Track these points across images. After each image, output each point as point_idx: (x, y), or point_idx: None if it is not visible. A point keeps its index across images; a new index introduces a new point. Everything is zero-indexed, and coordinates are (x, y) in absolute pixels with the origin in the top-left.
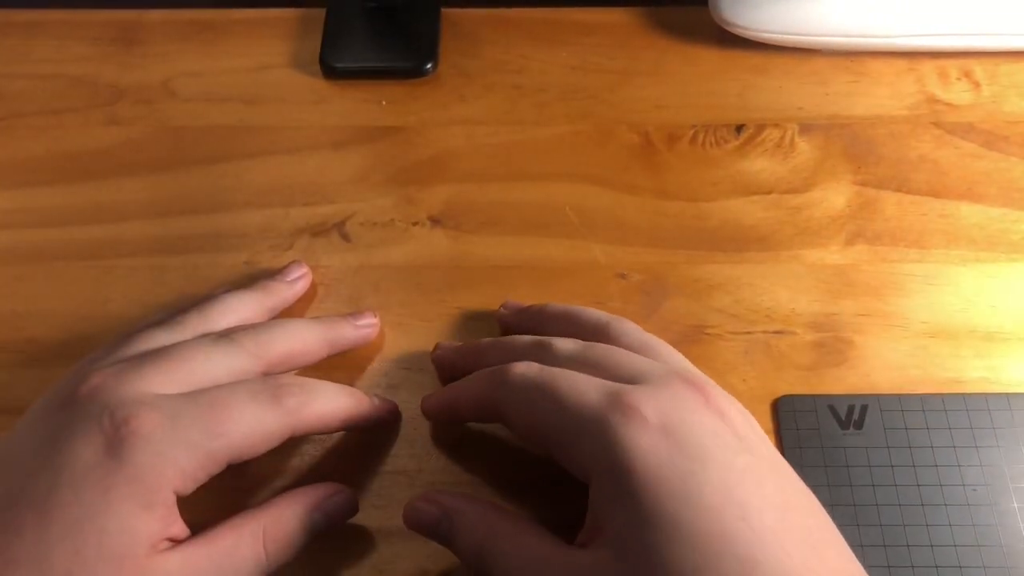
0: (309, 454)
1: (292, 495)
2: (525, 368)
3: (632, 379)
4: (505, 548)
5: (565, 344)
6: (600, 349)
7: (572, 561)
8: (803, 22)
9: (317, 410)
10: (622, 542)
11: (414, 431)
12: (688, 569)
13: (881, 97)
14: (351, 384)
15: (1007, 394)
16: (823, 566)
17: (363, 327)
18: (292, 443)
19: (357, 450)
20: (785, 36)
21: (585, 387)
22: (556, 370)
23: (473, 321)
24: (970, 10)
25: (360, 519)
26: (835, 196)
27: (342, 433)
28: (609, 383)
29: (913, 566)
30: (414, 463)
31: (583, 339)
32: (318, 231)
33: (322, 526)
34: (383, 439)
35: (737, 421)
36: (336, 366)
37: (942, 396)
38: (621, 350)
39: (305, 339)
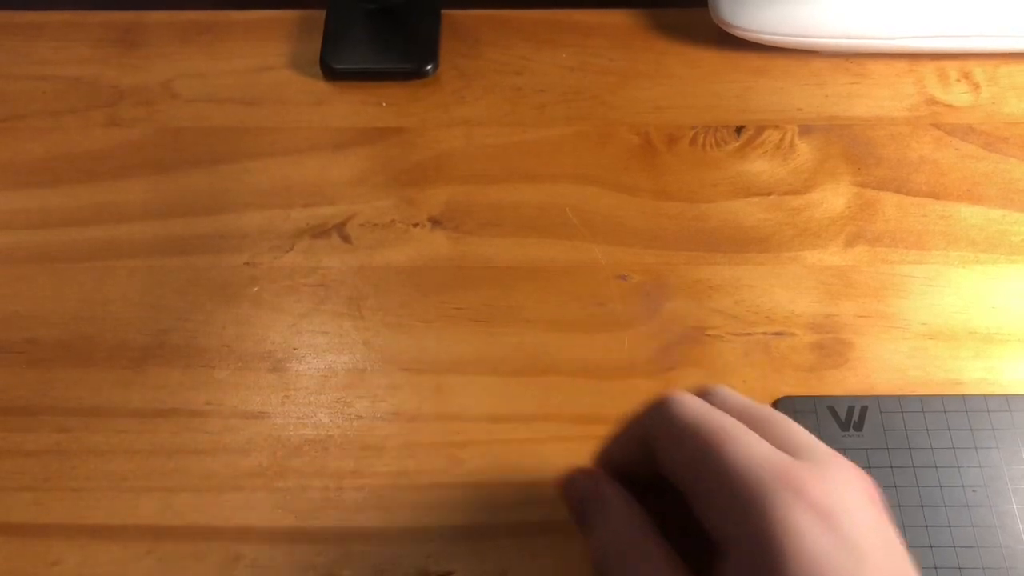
0: (309, 455)
1: None
2: (691, 402)
3: (796, 451)
4: (632, 572)
5: (732, 392)
6: (767, 409)
7: None
8: (803, 23)
9: None
10: None
11: (414, 432)
12: None
13: (881, 99)
14: (351, 386)
15: (1006, 395)
16: None
17: None
18: (292, 443)
19: (357, 451)
20: (785, 37)
21: (756, 448)
22: (726, 417)
23: (474, 322)
24: (970, 11)
25: (361, 519)
26: (835, 197)
27: (341, 433)
28: (780, 452)
29: None
30: (414, 464)
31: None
32: (318, 232)
33: None
34: (383, 440)
35: (887, 516)
36: (336, 369)
37: (941, 397)
38: (784, 416)
39: None
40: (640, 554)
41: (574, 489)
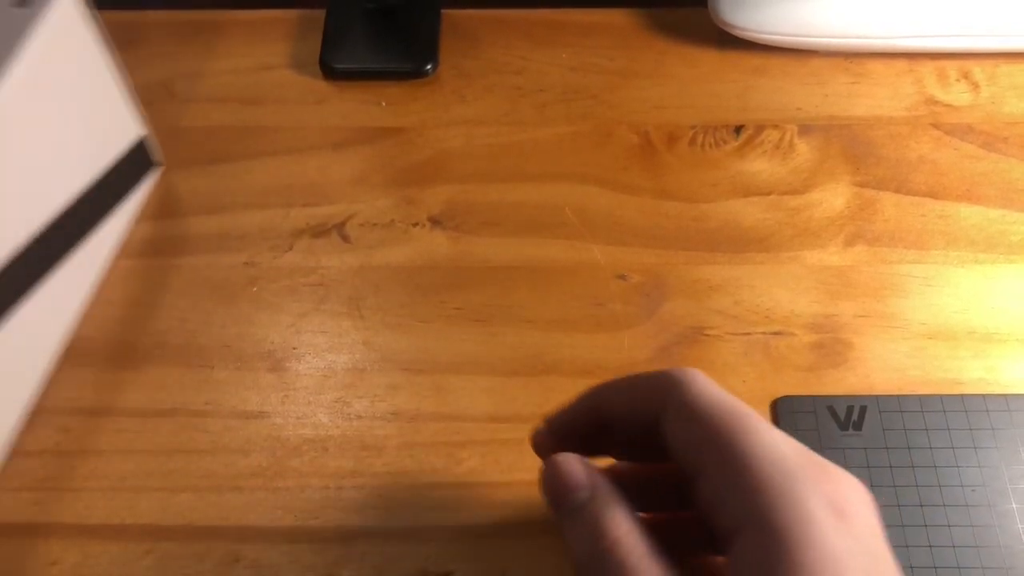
0: (309, 455)
1: None
2: (708, 381)
3: (798, 450)
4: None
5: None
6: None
7: None
8: (802, 23)
9: None
10: None
11: (414, 432)
12: None
13: (880, 98)
14: (350, 386)
15: (1005, 395)
16: None
17: None
18: (292, 442)
19: (357, 451)
20: (784, 37)
21: (778, 436)
22: (744, 403)
23: (474, 322)
24: (969, 11)
25: (360, 519)
26: (834, 197)
27: (341, 433)
28: (796, 443)
29: (912, 567)
30: (414, 463)
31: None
32: (318, 232)
33: None
34: (382, 439)
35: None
36: (336, 369)
37: (941, 397)
38: None
39: None
40: (642, 549)
41: (558, 480)
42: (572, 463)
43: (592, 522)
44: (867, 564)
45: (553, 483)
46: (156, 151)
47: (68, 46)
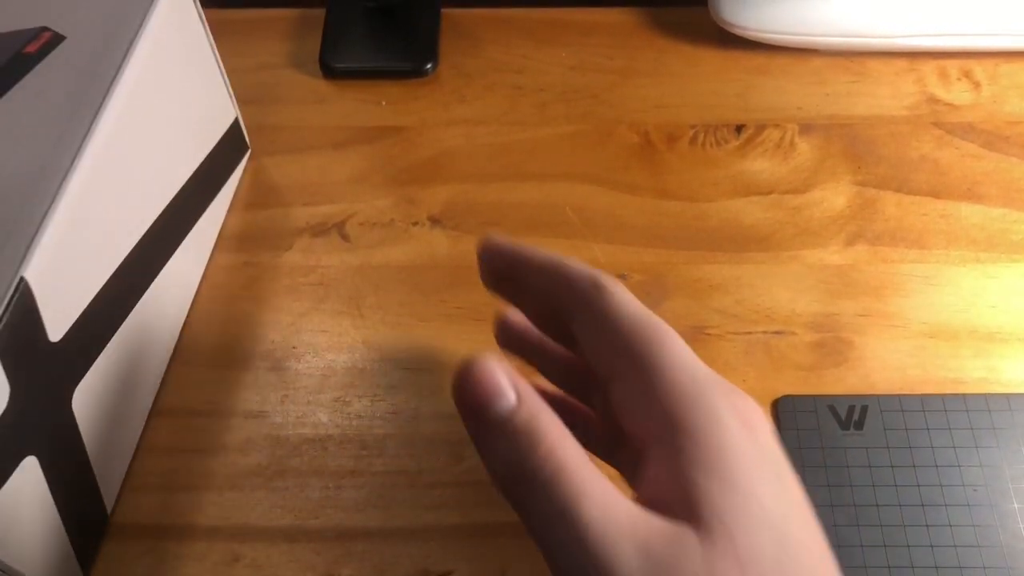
0: (308, 454)
1: None
2: (627, 294)
3: None
4: (559, 494)
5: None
6: None
7: (648, 528)
8: (803, 22)
9: None
10: (716, 521)
11: (414, 431)
12: (769, 558)
13: (881, 97)
14: (350, 385)
15: (1007, 394)
16: None
17: None
18: (291, 442)
19: (357, 450)
20: (785, 36)
21: (692, 354)
22: (659, 319)
23: (474, 322)
24: (970, 10)
25: (360, 518)
26: (835, 196)
27: (341, 432)
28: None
29: (913, 566)
30: (414, 463)
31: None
32: (318, 231)
33: None
34: (382, 439)
35: None
36: (336, 368)
37: (942, 396)
38: None
39: None
40: (561, 460)
41: (478, 381)
42: (493, 367)
43: (523, 431)
44: (775, 469)
45: (472, 391)
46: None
47: (181, 26)
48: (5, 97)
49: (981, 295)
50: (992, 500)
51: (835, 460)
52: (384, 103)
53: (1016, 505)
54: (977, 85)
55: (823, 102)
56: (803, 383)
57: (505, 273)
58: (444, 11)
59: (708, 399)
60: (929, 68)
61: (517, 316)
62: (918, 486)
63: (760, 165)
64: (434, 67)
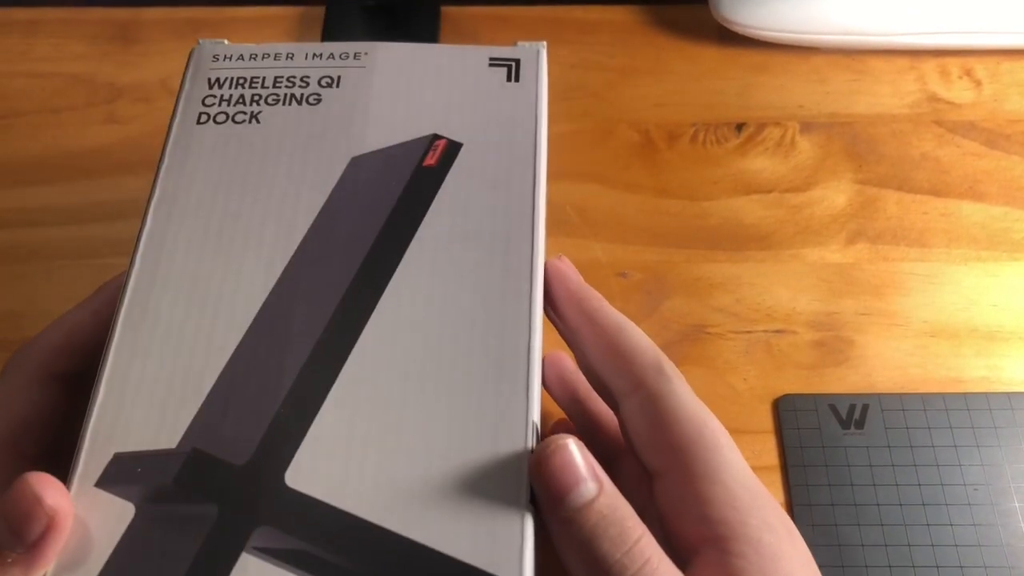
0: None
1: None
2: (687, 388)
3: None
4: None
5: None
6: None
7: None
8: (804, 20)
9: None
10: None
11: None
12: None
13: (882, 95)
14: None
15: (1008, 393)
16: None
17: None
18: None
19: None
20: (786, 34)
21: (743, 461)
22: (716, 420)
23: None
24: (971, 8)
25: None
26: (836, 195)
27: None
28: None
29: (914, 566)
30: None
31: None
32: None
33: None
34: None
35: None
36: None
37: (943, 395)
38: None
39: None
40: (645, 560)
41: (563, 473)
42: (572, 448)
43: (609, 522)
44: (813, 570)
45: (557, 475)
46: None
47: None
48: (427, 224)
49: (982, 294)
50: (993, 499)
51: (836, 459)
52: None
53: (1017, 504)
54: (978, 83)
55: (824, 100)
56: (804, 382)
57: (564, 311)
58: (443, 9)
59: (760, 511)
60: (930, 66)
61: (569, 363)
62: (919, 485)
63: (761, 163)
64: None
